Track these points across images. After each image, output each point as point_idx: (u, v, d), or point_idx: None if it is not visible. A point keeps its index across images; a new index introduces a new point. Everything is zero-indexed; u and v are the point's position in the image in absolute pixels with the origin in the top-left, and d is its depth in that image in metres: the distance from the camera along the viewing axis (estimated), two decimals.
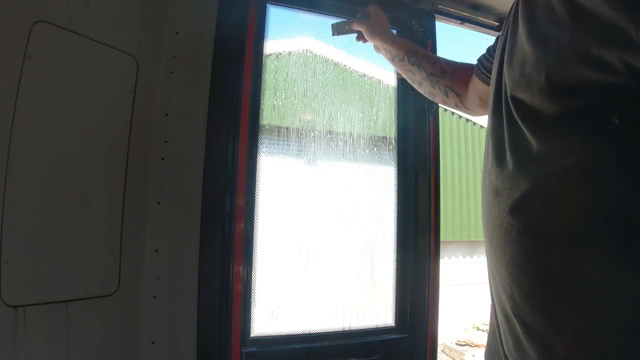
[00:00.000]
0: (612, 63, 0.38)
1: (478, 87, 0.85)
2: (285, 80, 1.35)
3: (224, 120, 1.14)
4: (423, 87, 1.01)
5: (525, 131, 0.46)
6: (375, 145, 1.42)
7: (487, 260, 0.55)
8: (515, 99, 0.48)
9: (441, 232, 1.38)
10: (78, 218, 0.92)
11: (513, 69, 0.49)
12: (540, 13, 0.45)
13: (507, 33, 0.55)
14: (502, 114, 0.52)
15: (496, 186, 0.51)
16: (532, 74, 0.45)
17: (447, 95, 0.96)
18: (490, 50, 0.79)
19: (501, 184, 0.50)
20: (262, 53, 1.23)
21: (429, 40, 1.41)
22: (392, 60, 1.06)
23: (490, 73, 0.80)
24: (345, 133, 1.40)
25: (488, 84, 0.80)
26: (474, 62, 0.87)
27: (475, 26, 1.50)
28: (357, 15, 1.09)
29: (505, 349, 0.50)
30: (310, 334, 1.23)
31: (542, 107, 0.44)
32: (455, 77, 0.94)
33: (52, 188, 0.87)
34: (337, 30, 1.12)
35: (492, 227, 0.51)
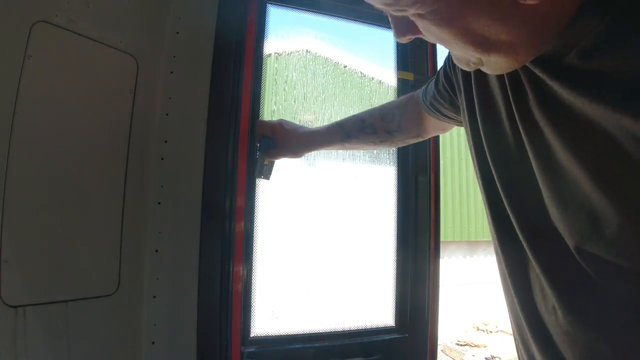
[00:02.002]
0: None
1: (436, 123, 0.82)
2: (285, 80, 1.35)
3: (224, 120, 1.14)
4: (381, 147, 0.97)
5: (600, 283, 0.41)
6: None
7: None
8: (586, 253, 0.42)
9: (441, 232, 1.37)
10: (78, 218, 0.92)
11: (573, 218, 0.43)
12: (608, 146, 0.37)
13: (500, 128, 0.50)
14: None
15: None
16: (612, 228, 0.39)
17: (405, 142, 0.93)
18: (440, 89, 0.74)
19: None
20: (262, 53, 1.23)
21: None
22: (336, 148, 0.97)
23: (442, 113, 0.76)
24: None
25: (446, 119, 0.77)
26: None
27: None
28: (258, 145, 0.98)
29: None
30: (310, 334, 1.23)
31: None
32: (405, 129, 0.88)
33: (52, 188, 0.87)
34: (261, 173, 1.01)
35: None
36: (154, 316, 1.05)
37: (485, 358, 4.44)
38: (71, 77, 0.91)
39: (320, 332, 1.24)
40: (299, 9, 1.32)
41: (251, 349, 1.13)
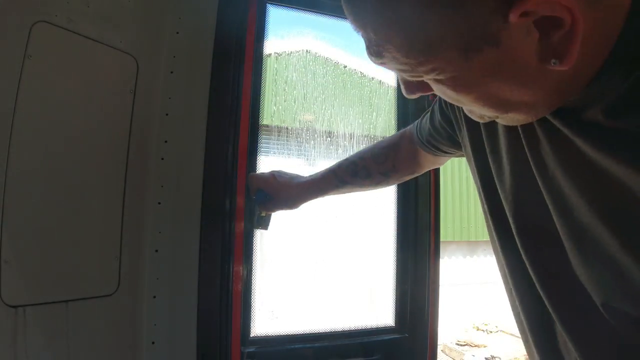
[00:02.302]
0: None
1: (432, 158, 0.81)
2: (285, 80, 1.35)
3: (224, 120, 1.14)
4: (377, 189, 0.93)
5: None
6: None
7: None
8: (612, 309, 0.41)
9: (441, 232, 1.37)
10: (78, 218, 0.92)
11: (598, 275, 0.42)
12: (634, 208, 0.37)
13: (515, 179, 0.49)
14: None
15: None
16: (638, 285, 0.38)
17: (400, 180, 0.91)
18: (437, 125, 0.72)
19: None
20: (262, 53, 1.23)
21: None
22: (332, 194, 0.96)
23: (439, 149, 0.75)
24: (345, 133, 1.40)
25: (442, 154, 0.76)
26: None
27: None
28: (253, 198, 0.96)
29: None
30: (310, 334, 1.23)
31: None
32: (400, 168, 0.86)
33: (52, 188, 0.87)
34: (259, 225, 0.99)
35: None
36: (154, 316, 1.05)
37: (485, 358, 4.44)
38: (71, 77, 0.91)
39: (320, 332, 1.24)
40: (299, 9, 1.32)
41: (251, 349, 1.13)
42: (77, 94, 0.92)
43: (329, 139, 1.36)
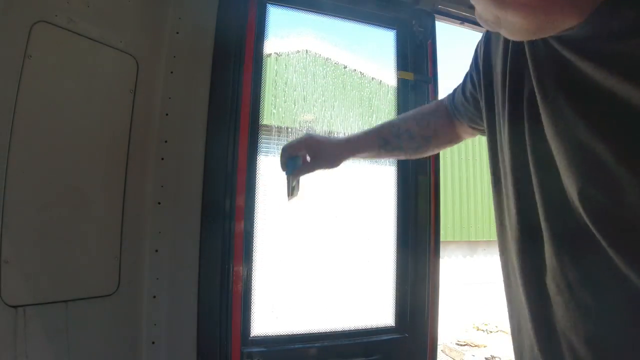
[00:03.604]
0: None
1: (467, 129, 0.82)
2: (285, 80, 1.35)
3: (224, 120, 1.14)
4: (415, 156, 0.93)
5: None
6: None
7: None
8: (606, 224, 0.44)
9: (441, 232, 1.38)
10: (78, 218, 0.92)
11: (593, 190, 0.44)
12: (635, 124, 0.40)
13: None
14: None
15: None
16: (632, 196, 0.41)
17: (439, 148, 0.91)
18: (467, 94, 0.73)
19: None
20: (262, 53, 1.23)
21: (429, 40, 1.41)
22: (371, 158, 0.94)
23: (470, 119, 0.76)
24: (345, 133, 1.40)
25: (473, 124, 0.77)
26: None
27: (475, 26, 1.50)
28: (284, 171, 0.89)
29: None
30: (311, 333, 1.23)
31: None
32: (440, 135, 0.86)
33: (52, 188, 0.87)
34: (293, 194, 0.93)
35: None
36: (154, 316, 1.05)
37: (485, 358, 4.44)
38: (71, 77, 0.91)
39: (320, 332, 1.24)
40: (299, 9, 1.32)
41: (251, 349, 1.13)
42: (77, 94, 0.92)
43: (329, 135, 1.36)
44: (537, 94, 0.49)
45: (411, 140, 0.88)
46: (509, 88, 0.55)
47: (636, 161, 0.40)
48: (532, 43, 0.50)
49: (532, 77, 0.50)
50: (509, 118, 0.54)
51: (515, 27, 0.45)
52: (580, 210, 0.45)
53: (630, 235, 0.41)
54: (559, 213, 0.48)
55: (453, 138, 0.88)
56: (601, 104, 0.42)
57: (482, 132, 0.78)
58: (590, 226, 0.44)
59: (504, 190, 0.57)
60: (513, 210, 0.54)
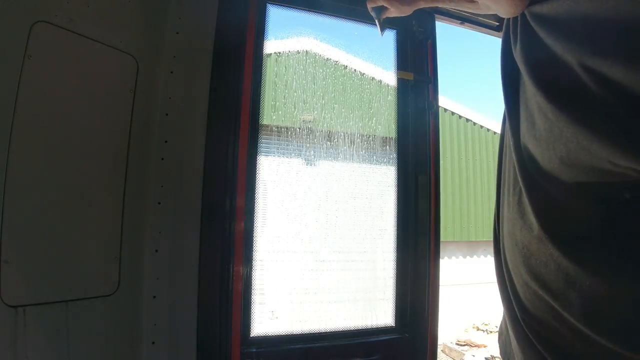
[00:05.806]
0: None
1: None
2: (285, 80, 1.35)
3: (224, 120, 1.13)
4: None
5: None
6: (376, 145, 1.42)
7: None
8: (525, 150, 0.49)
9: (441, 232, 1.37)
10: (78, 218, 0.92)
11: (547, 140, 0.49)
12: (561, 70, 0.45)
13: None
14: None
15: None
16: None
17: None
18: None
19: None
20: (262, 53, 1.23)
21: (429, 40, 1.41)
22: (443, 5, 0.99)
23: None
24: (345, 133, 1.40)
25: None
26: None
27: (475, 26, 1.50)
28: (371, 8, 0.91)
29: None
30: (310, 333, 1.23)
31: None
32: None
33: (52, 188, 0.87)
34: (384, 29, 0.94)
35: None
36: (154, 316, 1.05)
37: (485, 358, 4.44)
38: (71, 77, 0.91)
39: (320, 332, 1.24)
40: (299, 9, 1.32)
41: (251, 349, 1.13)
42: (77, 93, 0.92)
43: (329, 137, 1.36)
44: (519, 63, 0.53)
45: None
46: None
47: (562, 102, 0.44)
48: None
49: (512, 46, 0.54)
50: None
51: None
52: (517, 164, 0.51)
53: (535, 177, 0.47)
54: (524, 174, 0.52)
55: None
56: (551, 66, 0.46)
57: None
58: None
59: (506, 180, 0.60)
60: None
